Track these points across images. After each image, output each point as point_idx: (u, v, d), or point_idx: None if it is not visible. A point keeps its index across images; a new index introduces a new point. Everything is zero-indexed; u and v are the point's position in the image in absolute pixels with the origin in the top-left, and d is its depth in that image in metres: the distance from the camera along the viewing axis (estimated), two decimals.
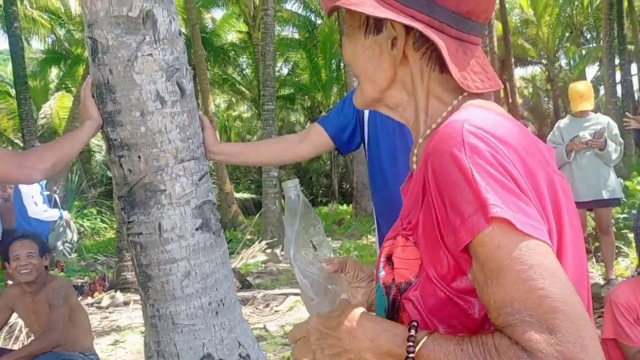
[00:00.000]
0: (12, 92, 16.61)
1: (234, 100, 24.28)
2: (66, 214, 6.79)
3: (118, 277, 6.92)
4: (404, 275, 0.88)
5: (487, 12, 0.91)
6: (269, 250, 9.00)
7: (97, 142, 20.44)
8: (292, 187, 1.10)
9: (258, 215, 11.39)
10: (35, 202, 6.34)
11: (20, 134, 16.60)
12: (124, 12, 1.89)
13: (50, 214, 6.46)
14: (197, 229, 2.06)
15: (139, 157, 1.98)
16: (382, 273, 0.93)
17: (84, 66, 15.81)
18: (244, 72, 21.63)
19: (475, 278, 0.79)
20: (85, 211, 14.08)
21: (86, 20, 1.97)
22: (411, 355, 0.79)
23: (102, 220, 14.29)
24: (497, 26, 17.05)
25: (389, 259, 0.92)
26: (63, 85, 18.71)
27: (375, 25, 0.91)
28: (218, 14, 21.36)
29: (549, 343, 0.70)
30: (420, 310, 0.86)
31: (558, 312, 0.71)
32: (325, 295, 1.06)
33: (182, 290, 2.03)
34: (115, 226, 13.70)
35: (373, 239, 9.44)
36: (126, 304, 6.06)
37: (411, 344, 0.79)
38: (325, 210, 16.44)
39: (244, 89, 21.41)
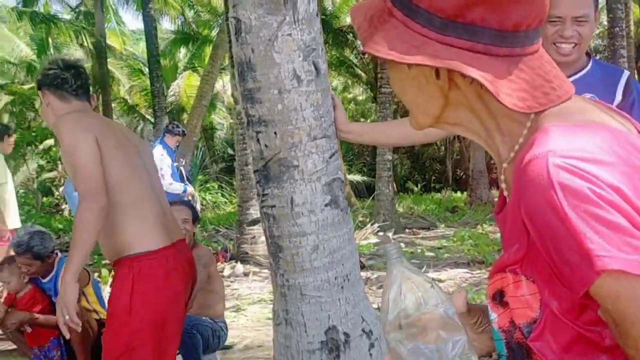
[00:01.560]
0: (145, 70, 17.84)
1: (349, 82, 24.41)
2: (189, 188, 7.18)
3: (238, 249, 7.29)
4: (525, 314, 0.83)
5: (539, 16, 0.81)
6: (381, 233, 9.04)
7: (220, 121, 21.49)
8: (393, 250, 0.92)
9: (371, 198, 11.45)
10: (163, 174, 6.81)
11: (151, 110, 17.83)
12: None
13: (175, 187, 6.87)
14: (326, 205, 2.12)
15: (275, 133, 2.07)
16: (494, 316, 0.88)
17: (211, 46, 16.59)
18: (361, 55, 21.65)
19: (604, 317, 0.74)
20: (207, 185, 14.88)
21: (231, 1, 2.07)
22: None
23: (222, 195, 15.04)
24: (635, 9, 15.71)
25: (496, 297, 0.87)
26: (190, 65, 19.78)
27: None
28: None
29: None
30: (553, 349, 0.81)
31: None
32: None
33: (310, 263, 2.11)
34: (234, 201, 14.40)
35: (489, 227, 9.17)
36: (246, 275, 6.38)
37: None
38: (438, 196, 16.19)
39: (360, 72, 21.44)
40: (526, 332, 0.83)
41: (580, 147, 0.74)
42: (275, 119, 2.06)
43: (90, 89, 2.58)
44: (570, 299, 0.76)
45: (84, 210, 2.16)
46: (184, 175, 7.38)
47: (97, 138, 2.25)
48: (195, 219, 3.55)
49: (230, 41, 7.17)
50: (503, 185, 0.89)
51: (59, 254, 3.89)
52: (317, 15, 2.09)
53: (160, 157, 6.70)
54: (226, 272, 6.43)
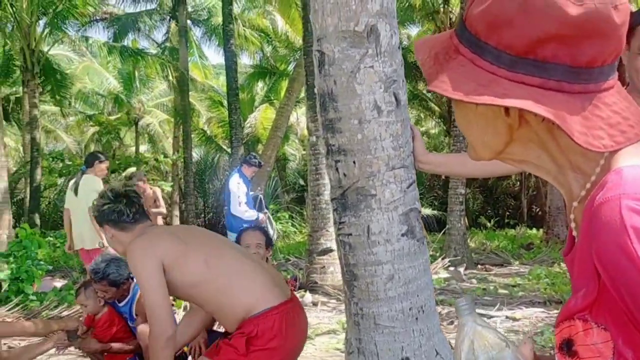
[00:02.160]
0: (224, 102, 18.49)
1: (422, 115, 24.32)
2: (262, 215, 7.30)
3: (307, 278, 7.33)
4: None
5: (616, 51, 0.77)
6: (451, 268, 8.84)
7: (292, 152, 21.88)
8: (465, 305, 0.91)
9: (442, 232, 11.27)
10: (240, 202, 7.03)
11: (227, 141, 18.41)
12: (350, 27, 2.04)
13: (250, 214, 7.06)
14: (402, 235, 2.13)
15: (354, 162, 2.11)
16: None
17: (287, 80, 17.03)
18: None
19: None
20: (278, 214, 15.11)
21: (316, 35, 2.15)
22: None
23: (292, 225, 15.21)
24: None
25: (564, 346, 0.83)
26: (266, 98, 20.36)
27: None
28: (413, 30, 21.63)
29: None
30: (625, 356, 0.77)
31: None
32: None
33: (385, 292, 2.11)
34: (304, 230, 14.53)
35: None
36: (314, 304, 6.39)
37: None
38: (512, 232, 15.70)
39: (433, 105, 21.35)
40: None
41: None
42: (354, 148, 2.10)
43: (145, 209, 2.73)
44: None
45: (153, 342, 2.35)
46: (263, 203, 7.61)
47: (162, 260, 2.38)
48: (269, 244, 3.63)
49: (307, 75, 7.39)
50: (572, 225, 0.86)
51: (135, 279, 4.04)
52: (398, 47, 2.14)
53: (237, 185, 6.95)
54: None
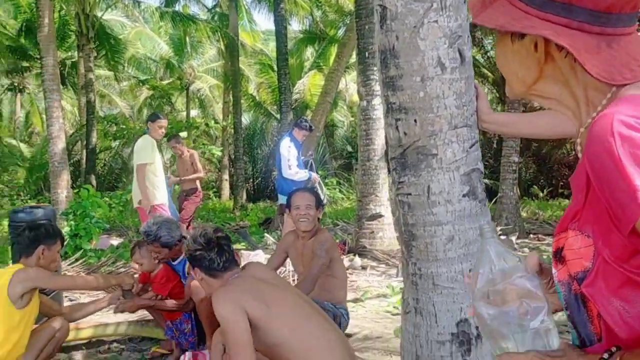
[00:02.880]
0: (274, 67, 18.49)
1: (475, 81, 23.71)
2: (314, 176, 7.33)
3: (357, 243, 7.36)
4: (579, 264, 0.92)
5: (632, 2, 0.90)
6: (503, 237, 8.70)
7: (340, 118, 21.78)
8: (488, 228, 1.03)
9: (493, 201, 11.07)
10: (290, 165, 7.07)
11: (276, 107, 18.47)
12: None
13: (301, 175, 7.10)
14: (464, 196, 2.09)
15: (415, 120, 2.06)
16: (555, 272, 0.98)
17: (336, 46, 16.84)
18: (488, 54, 20.95)
19: None
20: (326, 180, 15.13)
21: None
22: None
23: (340, 191, 15.23)
24: None
25: (557, 254, 0.97)
26: (315, 64, 20.22)
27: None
28: None
29: None
30: (603, 293, 0.89)
31: None
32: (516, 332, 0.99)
33: (444, 253, 2.08)
34: (351, 197, 14.54)
35: None
36: (364, 268, 6.42)
37: None
38: (566, 203, 15.29)
39: (486, 72, 20.76)
40: (580, 279, 0.92)
41: None
42: (416, 106, 2.05)
43: (235, 256, 2.76)
44: (621, 245, 0.84)
45: None
46: (314, 167, 7.59)
47: (246, 310, 2.39)
48: (319, 204, 3.63)
49: (358, 38, 7.27)
50: (578, 148, 0.99)
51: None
52: (464, 1, 2.06)
53: (287, 149, 6.97)
54: (344, 264, 6.51)
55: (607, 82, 0.90)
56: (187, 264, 3.98)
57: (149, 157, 6.21)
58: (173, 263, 4.07)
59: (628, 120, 0.81)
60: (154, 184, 6.23)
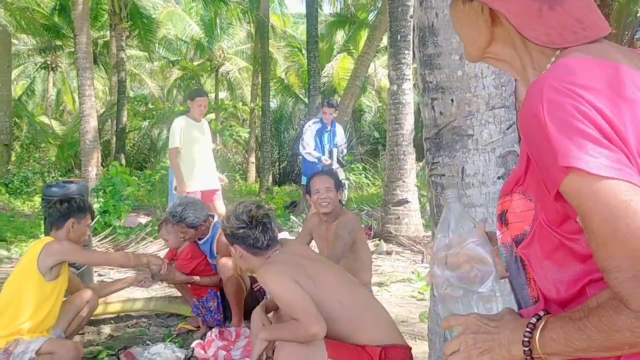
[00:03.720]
0: (303, 50, 18.43)
1: None
2: (324, 159, 7.16)
3: (382, 228, 7.33)
4: (520, 227, 0.94)
5: None
6: None
7: (368, 104, 21.66)
8: (452, 195, 1.09)
9: None
10: (303, 143, 7.18)
11: (304, 91, 18.43)
12: None
13: (307, 153, 7.20)
14: (498, 178, 2.05)
15: (452, 100, 2.03)
16: (499, 234, 1.00)
17: (366, 30, 16.70)
18: None
19: (579, 222, 0.83)
20: (352, 165, 15.09)
21: None
22: (526, 347, 0.89)
23: (365, 176, 15.17)
24: None
25: (502, 217, 0.98)
26: (345, 48, 20.09)
27: None
28: None
29: (625, 281, 0.74)
30: (538, 256, 0.91)
31: None
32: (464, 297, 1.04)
33: None
34: (377, 182, 14.48)
35: None
36: (388, 253, 6.40)
37: (528, 330, 0.89)
38: None
39: None
40: (519, 243, 0.94)
41: (578, 74, 0.82)
42: (453, 85, 2.02)
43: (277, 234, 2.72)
44: (554, 209, 0.87)
45: (297, 333, 2.31)
46: (333, 156, 7.30)
47: (295, 279, 2.37)
48: (338, 186, 3.59)
49: (391, 21, 7.18)
50: None
51: (214, 218, 4.15)
52: None
53: (308, 127, 7.20)
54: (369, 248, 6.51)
55: (546, 45, 0.90)
56: (214, 242, 4.01)
57: (175, 141, 5.79)
58: (199, 242, 4.10)
59: (557, 85, 0.81)
60: (188, 170, 5.78)
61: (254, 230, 2.54)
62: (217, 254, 4.00)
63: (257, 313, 2.80)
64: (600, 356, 0.83)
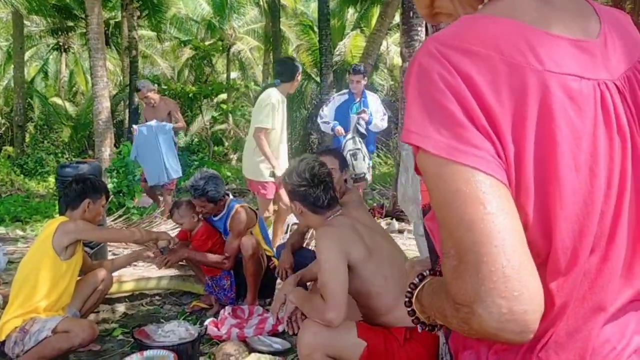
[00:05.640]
0: (314, 28, 18.29)
1: None
2: (338, 128, 6.35)
3: (394, 207, 7.32)
4: (426, 197, 0.90)
5: None
6: None
7: (380, 82, 21.49)
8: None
9: None
10: (320, 114, 6.65)
11: (316, 69, 18.32)
12: None
13: (321, 124, 6.63)
14: None
15: None
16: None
17: (378, 8, 16.52)
18: None
19: None
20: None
21: None
22: (407, 298, 0.94)
23: (377, 155, 15.14)
24: None
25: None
26: (357, 25, 19.90)
27: None
28: None
29: (452, 275, 0.71)
30: (434, 229, 0.89)
31: (464, 243, 0.68)
32: None
33: None
34: (389, 162, 14.45)
35: None
36: (400, 232, 6.40)
37: (409, 289, 0.94)
38: None
39: None
40: (426, 213, 0.94)
41: (461, 36, 0.76)
42: None
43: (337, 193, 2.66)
44: None
45: (320, 315, 2.29)
46: (353, 126, 6.23)
47: (349, 255, 2.33)
48: (343, 166, 3.56)
49: None
50: None
51: (229, 196, 4.17)
52: None
53: (332, 98, 6.70)
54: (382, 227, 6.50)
55: None
56: (228, 220, 4.02)
57: (267, 120, 4.83)
58: (214, 219, 4.12)
59: (433, 48, 0.76)
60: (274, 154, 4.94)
61: (315, 189, 2.50)
62: (230, 230, 4.02)
63: (284, 285, 2.81)
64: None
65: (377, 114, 6.40)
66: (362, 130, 6.25)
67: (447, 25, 0.92)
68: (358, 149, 6.04)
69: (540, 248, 0.75)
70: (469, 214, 0.69)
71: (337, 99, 6.57)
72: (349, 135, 6.13)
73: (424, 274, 0.94)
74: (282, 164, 5.00)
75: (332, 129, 6.37)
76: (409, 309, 0.94)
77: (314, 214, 2.55)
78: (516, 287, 0.66)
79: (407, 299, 0.94)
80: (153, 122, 7.03)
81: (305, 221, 2.67)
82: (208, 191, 3.89)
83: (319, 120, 6.65)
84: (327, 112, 6.52)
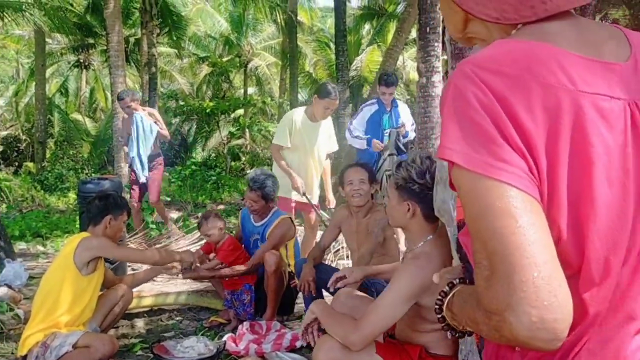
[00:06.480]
0: (331, 44, 18.41)
1: None
2: (375, 142, 5.82)
3: None
4: (461, 212, 0.98)
5: None
6: None
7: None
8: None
9: None
10: (349, 128, 6.18)
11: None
12: None
13: (352, 140, 6.00)
14: None
15: None
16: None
17: (394, 23, 16.58)
18: None
19: None
20: None
21: None
22: (437, 305, 0.98)
23: None
24: None
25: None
26: (373, 41, 20.00)
27: None
28: None
29: (484, 285, 0.73)
30: (467, 244, 0.90)
31: (497, 255, 0.71)
32: None
33: None
34: None
35: None
36: None
37: (439, 297, 0.97)
38: None
39: None
40: (460, 228, 1.01)
41: (495, 58, 0.78)
42: None
43: None
44: None
45: (345, 336, 2.10)
46: (393, 141, 5.77)
47: (420, 296, 2.10)
48: (372, 179, 3.56)
49: (420, 13, 7.10)
50: None
51: (275, 206, 4.24)
52: None
53: (361, 110, 6.03)
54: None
55: (499, 22, 0.85)
56: (270, 227, 4.03)
57: (281, 138, 4.94)
58: (255, 225, 4.17)
59: (468, 69, 0.78)
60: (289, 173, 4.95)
61: (431, 192, 2.15)
62: (267, 238, 4.04)
63: (339, 295, 2.67)
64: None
65: (407, 123, 6.00)
66: (402, 145, 5.78)
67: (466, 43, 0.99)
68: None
69: (572, 259, 0.78)
70: (502, 227, 0.72)
71: (366, 110, 5.95)
72: (386, 153, 5.65)
73: (454, 282, 0.97)
74: (308, 187, 5.11)
75: (369, 144, 5.71)
76: (439, 316, 0.97)
77: (425, 221, 2.22)
78: (546, 296, 0.69)
79: (437, 306, 0.97)
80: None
81: (406, 226, 2.25)
82: (266, 186, 4.00)
83: (348, 136, 5.96)
84: (357, 126, 5.89)
